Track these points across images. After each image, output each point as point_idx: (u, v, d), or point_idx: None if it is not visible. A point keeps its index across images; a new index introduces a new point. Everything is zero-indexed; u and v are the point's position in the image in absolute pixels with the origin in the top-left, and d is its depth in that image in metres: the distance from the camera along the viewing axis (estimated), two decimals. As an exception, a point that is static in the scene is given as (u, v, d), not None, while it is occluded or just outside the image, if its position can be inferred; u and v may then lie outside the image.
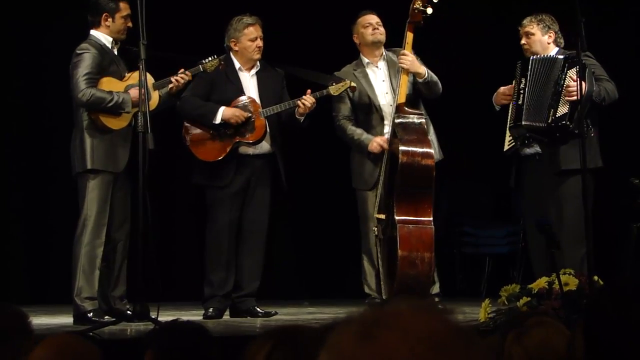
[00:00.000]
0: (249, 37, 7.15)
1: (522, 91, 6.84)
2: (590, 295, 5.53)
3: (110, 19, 6.75)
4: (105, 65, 6.72)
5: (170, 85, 6.83)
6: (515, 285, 5.99)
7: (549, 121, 6.74)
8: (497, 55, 8.10)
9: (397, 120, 6.97)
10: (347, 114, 7.27)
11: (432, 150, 6.90)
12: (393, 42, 7.28)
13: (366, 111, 7.25)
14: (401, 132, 6.92)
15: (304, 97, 7.08)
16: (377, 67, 7.29)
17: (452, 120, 7.53)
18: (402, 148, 6.86)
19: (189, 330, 3.01)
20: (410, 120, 6.97)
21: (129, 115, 6.67)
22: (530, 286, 5.89)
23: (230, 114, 7.05)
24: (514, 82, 6.94)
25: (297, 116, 7.12)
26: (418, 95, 7.21)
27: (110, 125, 6.65)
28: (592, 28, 6.44)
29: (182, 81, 6.85)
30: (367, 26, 7.25)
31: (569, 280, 5.76)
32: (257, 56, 7.18)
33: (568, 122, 6.68)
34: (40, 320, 6.84)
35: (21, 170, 8.75)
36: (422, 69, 7.07)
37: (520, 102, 6.83)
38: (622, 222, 7.77)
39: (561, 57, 6.83)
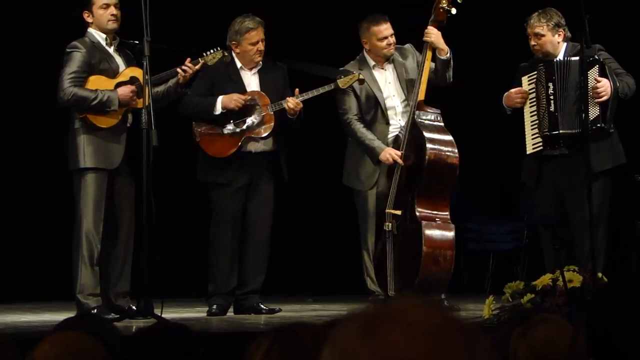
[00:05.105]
0: (249, 41, 7.08)
1: (551, 97, 6.74)
2: (594, 292, 5.53)
3: (90, 15, 6.72)
4: (95, 63, 6.66)
5: (178, 76, 6.78)
6: (520, 282, 5.98)
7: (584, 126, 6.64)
8: (502, 52, 8.07)
9: (419, 119, 6.89)
10: (357, 112, 7.16)
11: (456, 149, 6.87)
12: (400, 39, 7.20)
13: (371, 112, 7.17)
14: (425, 130, 6.86)
15: (288, 98, 7.03)
16: (383, 69, 7.22)
17: (456, 116, 7.49)
18: (429, 146, 6.82)
19: (169, 330, 2.97)
20: (431, 117, 6.92)
21: (118, 112, 6.64)
22: (534, 283, 5.88)
23: (228, 100, 7.01)
24: (534, 85, 6.82)
25: (288, 116, 7.09)
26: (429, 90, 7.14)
27: (99, 123, 6.61)
28: (600, 19, 6.41)
29: (189, 71, 6.78)
30: (382, 40, 7.09)
31: (573, 277, 5.76)
32: (258, 59, 7.12)
33: (602, 124, 6.62)
34: (44, 317, 6.85)
35: (26, 167, 8.74)
36: (446, 47, 6.95)
37: (552, 109, 6.75)
38: (628, 219, 7.75)
39: (575, 59, 6.67)
